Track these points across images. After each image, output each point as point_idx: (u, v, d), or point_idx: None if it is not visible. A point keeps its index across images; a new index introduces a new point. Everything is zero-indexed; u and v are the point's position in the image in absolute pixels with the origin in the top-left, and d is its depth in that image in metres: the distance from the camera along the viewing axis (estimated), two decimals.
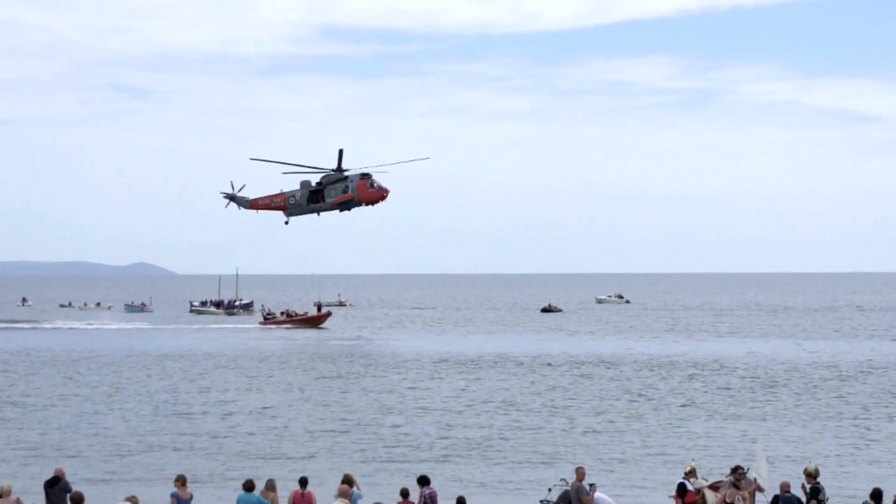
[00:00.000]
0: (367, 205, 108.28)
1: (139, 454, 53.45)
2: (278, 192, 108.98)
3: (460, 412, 68.07)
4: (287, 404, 72.07)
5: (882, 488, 31.30)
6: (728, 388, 79.81)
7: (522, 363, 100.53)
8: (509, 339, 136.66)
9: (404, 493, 31.66)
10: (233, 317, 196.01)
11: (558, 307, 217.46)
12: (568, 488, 35.41)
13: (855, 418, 65.02)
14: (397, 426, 62.26)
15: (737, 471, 33.14)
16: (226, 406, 71.13)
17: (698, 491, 32.82)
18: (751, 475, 33.26)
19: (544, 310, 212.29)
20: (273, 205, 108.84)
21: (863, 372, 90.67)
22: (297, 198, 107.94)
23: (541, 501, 35.52)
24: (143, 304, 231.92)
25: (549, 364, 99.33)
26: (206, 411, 68.56)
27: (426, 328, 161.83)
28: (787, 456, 51.92)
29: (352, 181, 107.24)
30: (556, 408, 70.04)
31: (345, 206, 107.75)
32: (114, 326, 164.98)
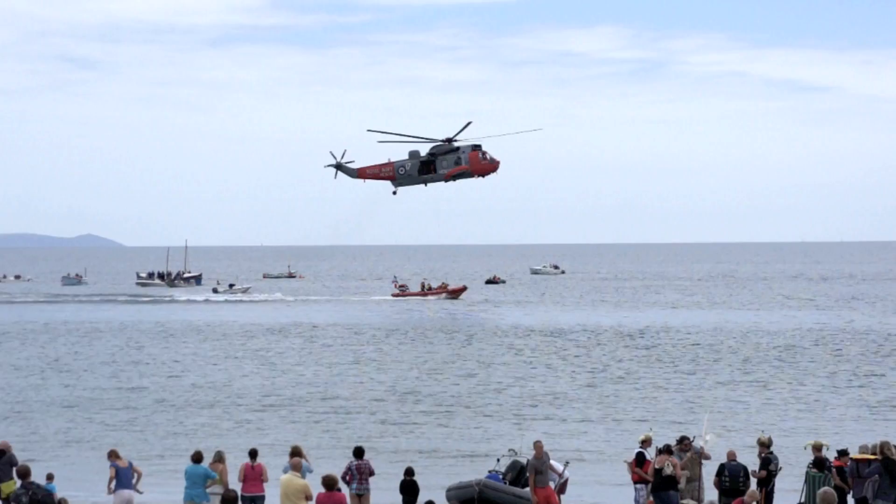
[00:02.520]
0: (479, 176, 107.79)
1: (95, 428, 53.32)
2: (386, 160, 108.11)
3: (410, 384, 68.24)
4: (243, 376, 72.04)
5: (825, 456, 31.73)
6: (676, 357, 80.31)
7: (472, 334, 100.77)
8: (454, 308, 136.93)
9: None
10: (174, 288, 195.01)
11: (502, 278, 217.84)
12: (518, 458, 35.57)
13: (802, 386, 65.69)
14: (349, 398, 62.38)
15: (683, 441, 33.38)
16: (183, 379, 71.01)
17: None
18: (697, 444, 33.50)
19: (489, 281, 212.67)
20: (382, 174, 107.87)
21: (809, 340, 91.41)
22: (408, 168, 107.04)
23: (490, 472, 35.67)
24: (78, 275, 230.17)
25: (495, 335, 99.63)
26: (167, 384, 68.43)
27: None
28: (746, 423, 52.43)
29: (464, 152, 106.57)
30: (506, 378, 70.32)
31: (457, 177, 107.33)
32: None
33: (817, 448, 31.75)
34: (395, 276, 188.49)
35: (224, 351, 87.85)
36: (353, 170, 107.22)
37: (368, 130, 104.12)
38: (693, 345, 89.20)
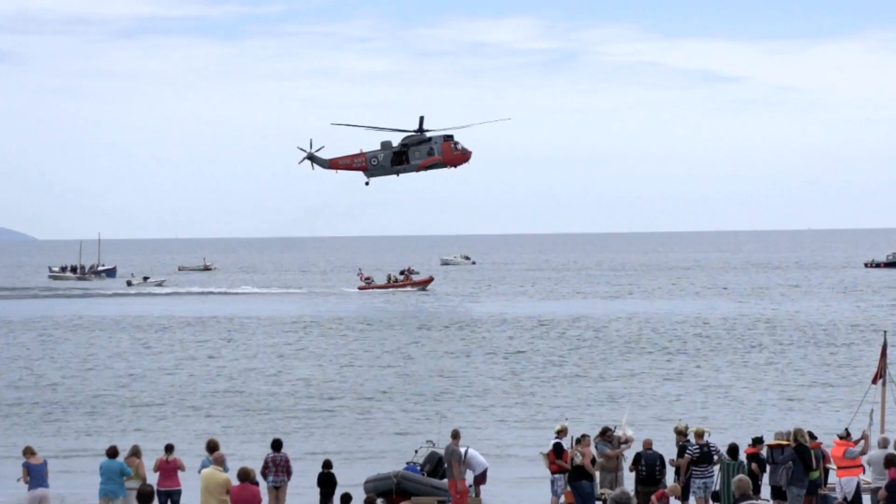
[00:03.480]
0: (451, 167, 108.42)
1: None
2: (358, 151, 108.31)
3: (329, 377, 68.11)
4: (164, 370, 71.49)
5: (738, 443, 32.13)
6: (594, 347, 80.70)
7: (392, 326, 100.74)
8: (367, 300, 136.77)
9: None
10: (86, 281, 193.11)
11: (415, 270, 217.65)
12: (435, 450, 35.62)
13: (719, 374, 66.33)
14: (271, 392, 62.12)
15: (605, 433, 33.60)
16: (96, 372, 70.33)
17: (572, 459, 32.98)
18: (618, 433, 33.76)
19: (402, 273, 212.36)
20: (354, 165, 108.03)
21: (724, 328, 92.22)
22: (380, 159, 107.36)
23: (407, 463, 35.71)
24: None
25: (415, 327, 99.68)
26: (82, 377, 67.70)
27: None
28: (664, 411, 52.84)
29: (436, 143, 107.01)
30: (425, 369, 70.38)
31: (429, 168, 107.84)
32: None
33: (699, 435, 32.19)
34: (359, 269, 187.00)
35: (139, 344, 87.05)
36: (325, 160, 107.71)
37: (422, 117, 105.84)
38: (610, 334, 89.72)
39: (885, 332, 38.58)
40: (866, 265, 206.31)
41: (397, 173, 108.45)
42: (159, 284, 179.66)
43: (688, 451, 31.82)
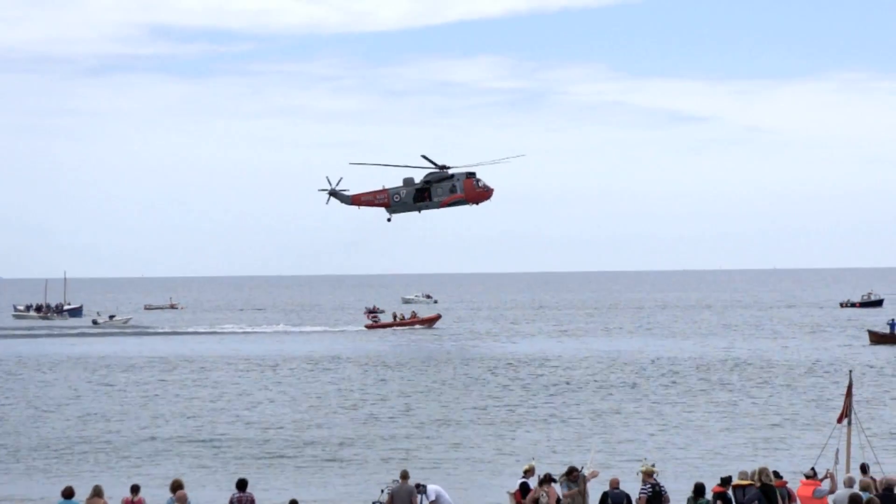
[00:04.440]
0: (473, 204, 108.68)
1: None
2: (381, 188, 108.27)
3: (298, 418, 67.86)
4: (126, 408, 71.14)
5: (704, 482, 32.15)
6: (561, 386, 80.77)
7: (362, 365, 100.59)
8: (340, 341, 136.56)
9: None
10: (47, 321, 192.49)
11: (381, 309, 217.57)
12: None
13: (688, 412, 66.42)
14: (238, 432, 61.87)
15: (571, 473, 33.57)
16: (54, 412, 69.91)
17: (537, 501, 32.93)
18: (585, 471, 33.74)
19: (370, 311, 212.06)
20: (376, 201, 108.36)
21: (690, 367, 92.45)
22: (403, 196, 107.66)
23: (374, 503, 35.58)
24: None
25: (380, 366, 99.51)
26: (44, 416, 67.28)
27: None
28: (633, 450, 52.86)
29: (458, 180, 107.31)
30: (392, 410, 70.23)
31: (452, 205, 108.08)
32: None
33: (648, 474, 32.25)
34: (365, 307, 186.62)
35: (104, 384, 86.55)
36: (347, 196, 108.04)
37: (422, 156, 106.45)
38: (578, 374, 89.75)
39: (850, 371, 38.71)
40: (842, 305, 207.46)
41: (420, 210, 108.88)
42: (125, 323, 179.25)
43: (641, 491, 31.95)
